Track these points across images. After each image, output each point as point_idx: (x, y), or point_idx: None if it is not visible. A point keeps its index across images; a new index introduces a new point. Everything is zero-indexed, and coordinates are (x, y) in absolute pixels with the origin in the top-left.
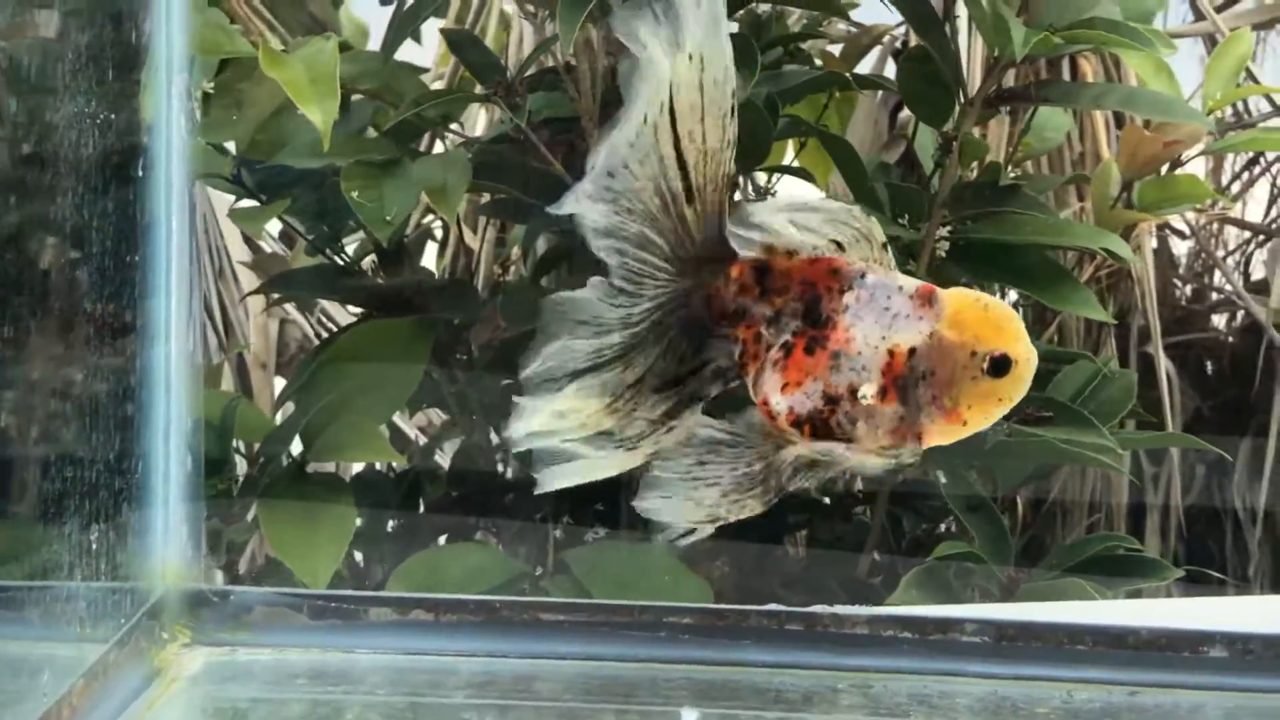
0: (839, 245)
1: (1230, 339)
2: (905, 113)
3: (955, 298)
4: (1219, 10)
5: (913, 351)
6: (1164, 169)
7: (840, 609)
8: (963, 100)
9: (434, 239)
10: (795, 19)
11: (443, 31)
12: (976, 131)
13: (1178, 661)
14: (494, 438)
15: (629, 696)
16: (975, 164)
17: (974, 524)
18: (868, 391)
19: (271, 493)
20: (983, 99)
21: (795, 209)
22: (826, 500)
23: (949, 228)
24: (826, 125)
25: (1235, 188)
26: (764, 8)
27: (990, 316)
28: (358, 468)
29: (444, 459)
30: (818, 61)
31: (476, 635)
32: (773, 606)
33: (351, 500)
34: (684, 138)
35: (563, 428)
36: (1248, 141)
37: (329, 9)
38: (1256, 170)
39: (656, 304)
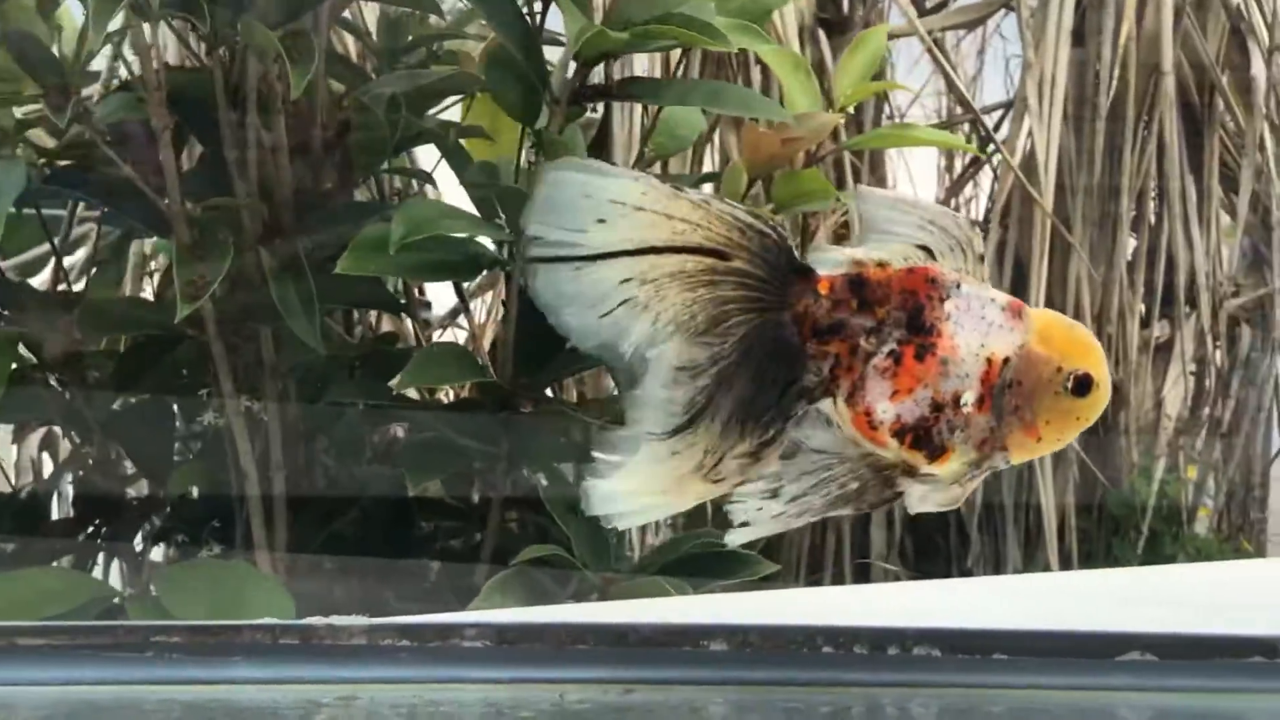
0: (928, 251)
1: None
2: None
3: (1042, 315)
4: (928, 12)
5: (1006, 361)
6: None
7: (337, 620)
8: (549, 99)
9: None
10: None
11: (5, 33)
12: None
13: (678, 657)
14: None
15: None
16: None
17: (572, 525)
18: (969, 399)
19: None
20: (567, 96)
21: (896, 205)
22: (461, 506)
23: None
24: (481, 125)
25: (975, 190)
26: (397, 10)
27: (1077, 336)
28: None
29: None
30: None
31: None
32: (266, 620)
33: None
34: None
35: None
36: (871, 139)
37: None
38: (984, 171)
39: (744, 335)
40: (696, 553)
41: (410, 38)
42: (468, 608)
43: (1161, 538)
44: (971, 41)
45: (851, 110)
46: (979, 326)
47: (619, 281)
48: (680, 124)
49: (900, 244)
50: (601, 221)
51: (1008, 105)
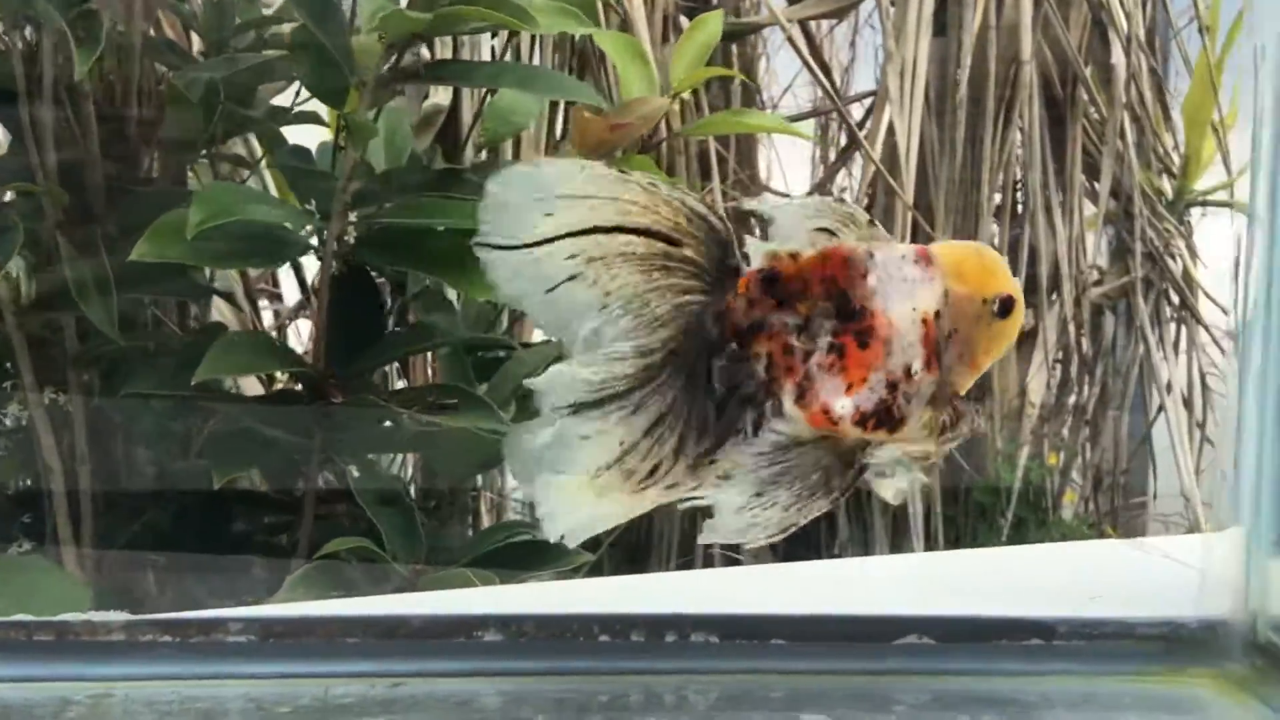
0: (830, 233)
1: None
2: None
3: (948, 251)
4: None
5: (938, 315)
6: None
7: (95, 615)
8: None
9: None
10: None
11: None
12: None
13: (450, 648)
14: None
15: None
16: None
17: (384, 517)
18: (918, 366)
19: None
20: (375, 79)
21: (783, 207)
22: (284, 499)
23: (358, 212)
24: (317, 112)
25: (853, 179)
26: None
27: (986, 262)
28: None
29: None
30: None
31: None
32: (20, 617)
33: None
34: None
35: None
36: (704, 125)
37: None
38: (856, 158)
39: (675, 328)
40: (512, 544)
41: (237, 21)
42: (270, 600)
43: (1027, 524)
44: (844, 32)
45: (687, 95)
46: (903, 289)
47: (564, 257)
48: (514, 109)
49: (805, 234)
50: (549, 215)
51: (872, 95)
